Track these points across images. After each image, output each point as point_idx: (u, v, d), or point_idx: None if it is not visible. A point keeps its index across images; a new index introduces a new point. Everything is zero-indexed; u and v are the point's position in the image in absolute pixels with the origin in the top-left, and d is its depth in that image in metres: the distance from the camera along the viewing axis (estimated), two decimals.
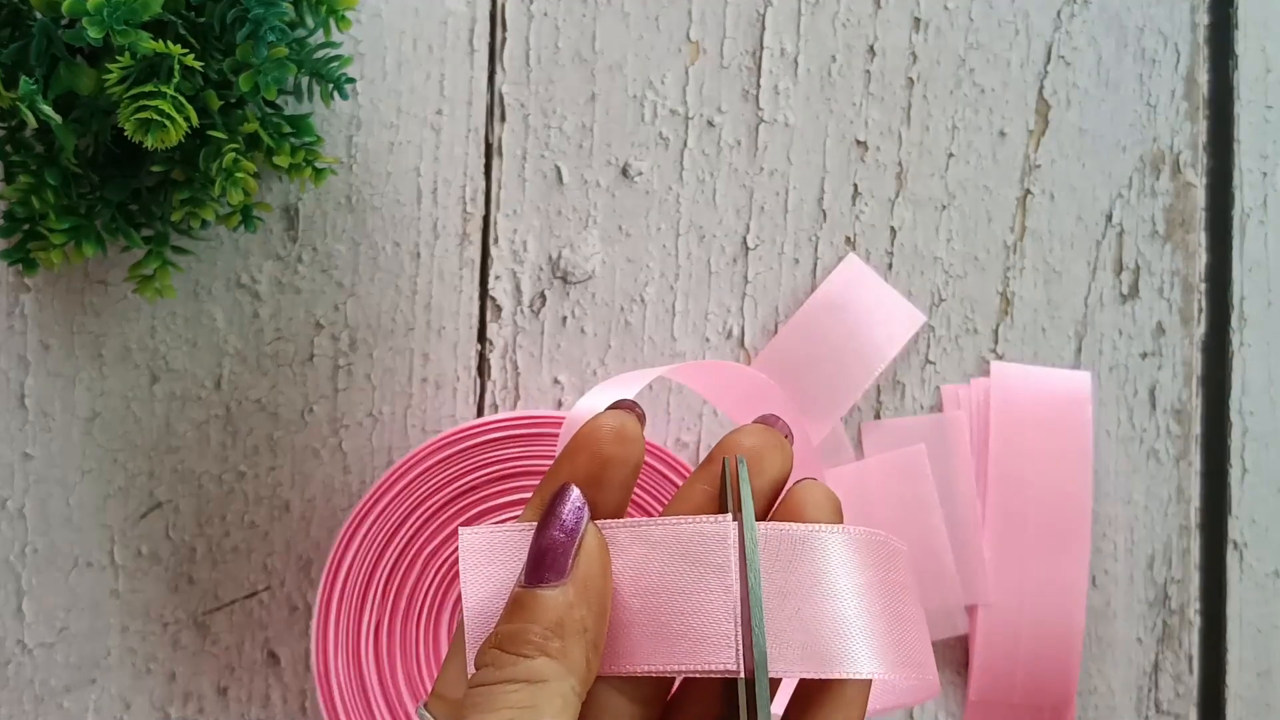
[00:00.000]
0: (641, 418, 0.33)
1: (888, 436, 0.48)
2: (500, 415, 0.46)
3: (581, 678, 0.29)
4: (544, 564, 0.30)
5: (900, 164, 0.49)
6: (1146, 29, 0.49)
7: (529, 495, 0.45)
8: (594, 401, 0.34)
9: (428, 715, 0.31)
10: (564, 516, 0.31)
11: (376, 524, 0.45)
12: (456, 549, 0.41)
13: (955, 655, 0.48)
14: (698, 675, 0.29)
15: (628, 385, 0.36)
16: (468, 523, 0.45)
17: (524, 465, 0.45)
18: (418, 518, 0.45)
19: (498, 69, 0.49)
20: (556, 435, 0.45)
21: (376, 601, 0.45)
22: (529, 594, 0.30)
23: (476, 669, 0.30)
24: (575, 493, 0.31)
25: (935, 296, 0.49)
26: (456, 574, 0.46)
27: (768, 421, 0.33)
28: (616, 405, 0.33)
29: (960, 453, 0.48)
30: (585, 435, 0.31)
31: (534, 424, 0.45)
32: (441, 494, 0.45)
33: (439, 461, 0.45)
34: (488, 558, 0.31)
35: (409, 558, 0.45)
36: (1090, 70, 0.49)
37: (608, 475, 0.31)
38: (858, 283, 0.48)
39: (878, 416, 0.49)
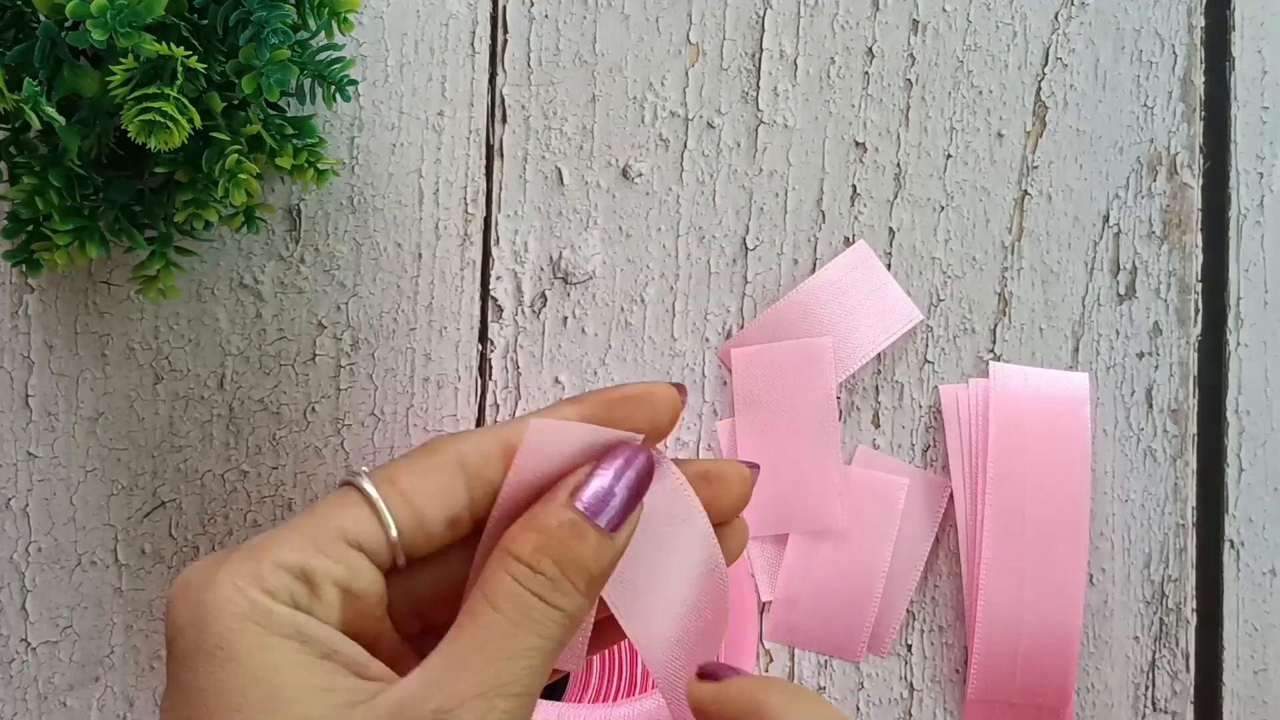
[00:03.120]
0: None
1: (873, 464, 0.49)
2: (502, 415, 0.46)
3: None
4: (627, 506, 0.30)
5: (899, 165, 0.49)
6: (1143, 31, 0.49)
7: None
8: None
9: (366, 480, 0.29)
10: (642, 471, 0.30)
11: None
12: None
13: (954, 653, 0.49)
14: None
15: None
16: None
17: None
18: None
19: (499, 71, 0.49)
20: None
21: None
22: (598, 532, 0.29)
23: (519, 561, 0.28)
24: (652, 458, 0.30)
25: (933, 297, 0.49)
26: None
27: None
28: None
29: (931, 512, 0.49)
30: (667, 398, 0.31)
31: None
32: None
33: None
34: (551, 449, 0.30)
35: None
36: (1087, 72, 0.49)
37: (648, 442, 0.31)
38: (862, 269, 0.48)
39: (876, 417, 0.49)
